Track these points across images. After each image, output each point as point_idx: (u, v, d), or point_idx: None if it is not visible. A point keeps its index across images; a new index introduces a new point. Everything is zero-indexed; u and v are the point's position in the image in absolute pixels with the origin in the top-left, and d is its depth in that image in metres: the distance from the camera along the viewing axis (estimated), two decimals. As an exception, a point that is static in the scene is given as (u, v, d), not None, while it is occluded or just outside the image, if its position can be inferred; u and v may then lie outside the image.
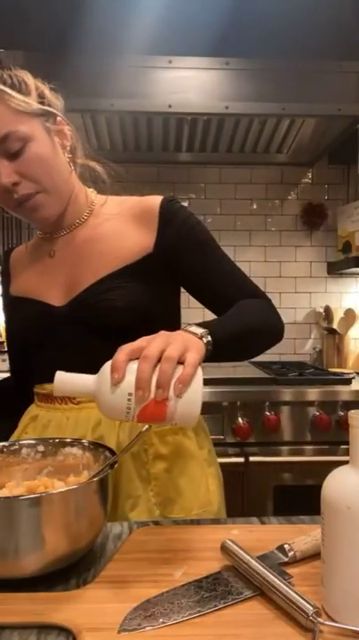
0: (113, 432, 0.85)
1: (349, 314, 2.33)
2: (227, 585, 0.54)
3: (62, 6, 1.92)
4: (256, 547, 0.60)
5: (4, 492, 0.67)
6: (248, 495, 1.77)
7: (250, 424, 1.77)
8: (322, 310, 2.44)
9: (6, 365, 2.17)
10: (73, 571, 0.59)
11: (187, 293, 0.92)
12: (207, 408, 1.81)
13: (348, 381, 1.91)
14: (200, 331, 0.68)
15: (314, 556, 0.59)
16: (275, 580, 0.51)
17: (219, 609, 0.50)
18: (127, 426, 0.86)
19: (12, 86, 0.81)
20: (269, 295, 0.93)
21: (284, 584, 0.51)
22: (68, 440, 0.73)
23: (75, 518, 0.57)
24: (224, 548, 0.58)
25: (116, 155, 2.23)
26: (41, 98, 0.84)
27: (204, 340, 0.67)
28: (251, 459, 1.76)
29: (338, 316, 2.35)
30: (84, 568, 0.60)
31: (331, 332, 2.37)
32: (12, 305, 0.97)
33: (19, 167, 0.81)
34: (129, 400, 0.58)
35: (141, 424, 0.83)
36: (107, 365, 0.60)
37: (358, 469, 0.49)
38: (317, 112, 1.91)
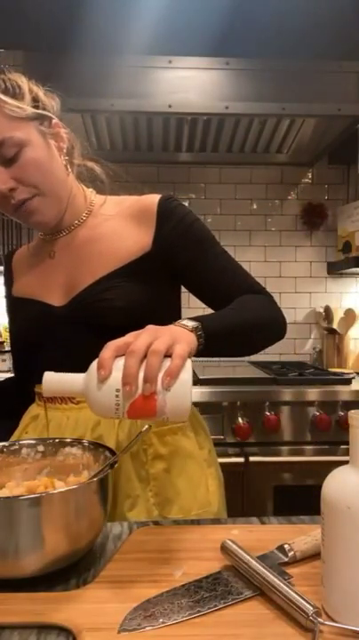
0: (112, 432, 0.85)
1: (349, 314, 2.33)
2: (227, 585, 0.54)
3: (62, 6, 1.92)
4: (256, 547, 0.60)
5: (4, 492, 0.67)
6: (248, 495, 1.77)
7: (250, 424, 1.77)
8: (322, 310, 2.44)
9: (6, 365, 2.17)
10: (73, 571, 0.59)
11: (187, 292, 0.92)
12: (207, 408, 1.82)
13: (348, 381, 1.91)
14: (191, 324, 0.68)
15: (314, 555, 0.59)
16: (275, 580, 0.51)
17: (219, 609, 0.50)
18: (126, 426, 0.86)
19: (6, 91, 0.81)
20: (269, 295, 0.93)
21: (284, 584, 0.51)
22: (68, 440, 0.73)
23: (75, 518, 0.57)
24: (224, 548, 0.58)
25: (116, 155, 2.23)
26: (35, 101, 0.84)
27: (196, 333, 0.66)
28: (251, 459, 1.76)
29: (338, 316, 2.35)
30: (84, 568, 0.60)
31: (331, 331, 2.37)
32: (14, 306, 0.97)
33: (15, 173, 0.81)
34: (117, 396, 0.58)
35: (141, 423, 0.84)
36: (95, 363, 0.60)
37: (358, 469, 0.49)
38: (317, 112, 1.91)
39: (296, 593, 0.49)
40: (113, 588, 0.54)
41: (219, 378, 1.88)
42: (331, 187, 2.49)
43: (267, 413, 1.78)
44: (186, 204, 0.96)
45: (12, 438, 0.94)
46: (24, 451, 0.73)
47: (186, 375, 0.58)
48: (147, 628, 0.47)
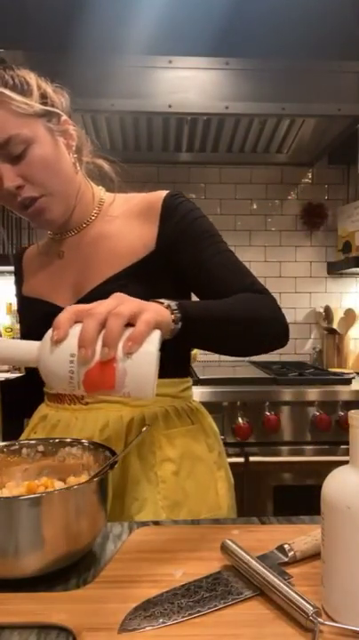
0: (121, 433, 0.84)
1: (349, 314, 2.33)
2: (227, 585, 0.54)
3: (62, 6, 1.92)
4: (256, 547, 0.60)
5: (4, 492, 0.67)
6: (248, 495, 1.77)
7: (250, 424, 1.77)
8: (322, 310, 2.44)
9: (6, 365, 2.16)
10: (73, 571, 0.59)
11: (192, 296, 0.91)
12: (207, 408, 1.80)
13: (348, 381, 1.91)
14: (167, 301, 0.64)
15: (314, 555, 0.59)
16: (275, 580, 0.51)
17: (219, 609, 0.50)
18: (135, 428, 0.85)
19: (14, 87, 0.80)
20: (269, 295, 0.92)
21: (284, 584, 0.51)
22: (68, 440, 0.73)
23: (75, 518, 0.57)
24: (224, 548, 0.58)
25: (116, 155, 2.22)
26: (43, 98, 0.83)
27: (171, 310, 0.63)
28: (251, 459, 1.76)
29: (338, 316, 2.35)
30: (84, 568, 0.60)
31: (331, 331, 2.37)
32: (24, 305, 0.98)
33: (23, 170, 0.80)
34: (71, 362, 0.53)
35: (147, 422, 0.83)
36: (50, 330, 0.56)
37: (358, 469, 0.49)
38: (317, 112, 1.91)
39: (296, 593, 0.49)
40: (113, 588, 0.54)
41: (219, 378, 1.88)
42: (331, 187, 2.49)
43: (267, 413, 1.78)
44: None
45: (22, 438, 0.94)
46: (24, 451, 0.73)
47: (151, 346, 0.53)
48: (147, 628, 0.47)
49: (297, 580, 0.55)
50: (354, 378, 1.96)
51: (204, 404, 1.04)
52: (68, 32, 1.83)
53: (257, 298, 0.83)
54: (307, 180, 2.50)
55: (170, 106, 1.86)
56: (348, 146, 2.13)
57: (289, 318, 0.85)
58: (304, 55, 1.93)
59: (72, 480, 0.69)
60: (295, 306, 2.49)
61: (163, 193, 0.89)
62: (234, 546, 0.57)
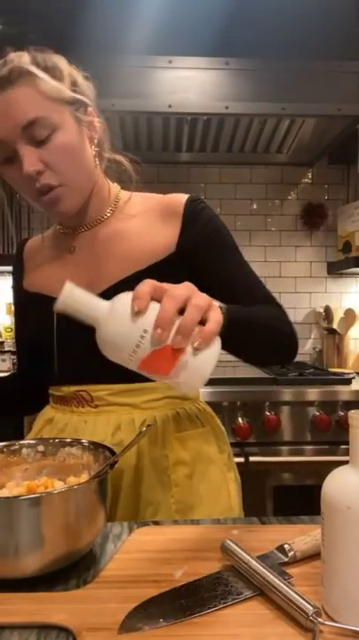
0: (132, 436, 0.81)
1: (349, 314, 2.33)
2: (227, 585, 0.54)
3: (62, 6, 1.91)
4: (256, 547, 0.60)
5: (4, 492, 0.67)
6: (248, 495, 1.76)
7: (250, 424, 1.77)
8: (322, 310, 2.44)
9: (6, 365, 2.16)
10: (73, 571, 0.59)
11: None
12: (207, 408, 1.82)
13: (348, 381, 1.91)
14: (217, 302, 0.61)
15: (314, 555, 0.59)
16: (275, 580, 0.51)
17: (219, 609, 0.50)
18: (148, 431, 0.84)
19: (46, 69, 0.77)
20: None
21: (284, 584, 0.51)
22: (68, 440, 0.73)
23: (75, 518, 0.57)
24: (224, 548, 0.58)
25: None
26: (74, 85, 0.80)
27: (222, 311, 0.61)
28: (251, 459, 1.76)
29: (338, 315, 2.35)
30: (84, 568, 0.60)
31: (331, 331, 2.37)
32: (26, 300, 0.93)
33: (45, 156, 0.77)
34: (142, 337, 0.51)
35: (144, 425, 0.82)
36: (125, 294, 0.53)
37: (358, 469, 0.49)
38: (317, 112, 1.91)
39: (296, 593, 0.49)
40: (113, 588, 0.54)
41: (219, 378, 1.88)
42: (330, 187, 2.49)
43: (267, 413, 1.78)
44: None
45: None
46: (24, 451, 0.73)
47: (215, 348, 0.53)
48: (147, 629, 0.47)
49: (297, 579, 0.55)
50: (354, 378, 1.96)
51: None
52: (69, 32, 1.83)
53: (280, 312, 0.85)
54: (307, 180, 2.50)
55: (170, 106, 1.86)
56: (348, 146, 2.13)
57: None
58: (304, 55, 1.93)
59: (72, 480, 0.69)
60: (295, 306, 2.48)
61: (184, 196, 0.88)
62: (234, 546, 0.57)
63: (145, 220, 0.88)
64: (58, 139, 0.77)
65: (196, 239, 0.85)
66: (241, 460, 1.75)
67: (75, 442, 0.73)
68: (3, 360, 2.14)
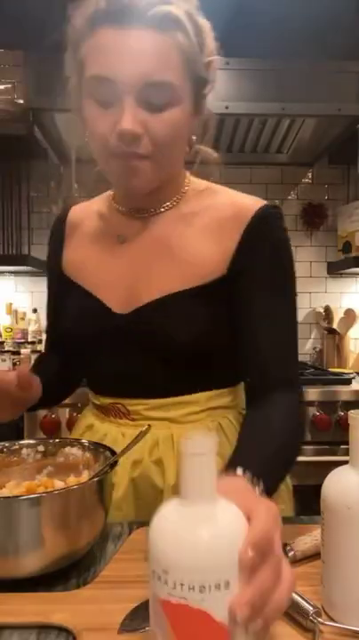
0: (171, 454, 0.77)
1: (349, 314, 2.33)
2: (227, 585, 0.54)
3: (62, 6, 1.91)
4: (256, 547, 0.60)
5: (4, 492, 0.67)
6: (248, 495, 1.76)
7: (250, 424, 1.77)
8: (322, 310, 2.44)
9: (6, 365, 2.15)
10: (73, 571, 0.59)
11: None
12: (207, 408, 1.81)
13: (348, 381, 1.91)
14: (259, 489, 0.53)
15: (314, 555, 0.59)
16: (275, 580, 0.51)
17: (219, 609, 0.50)
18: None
19: (197, 35, 0.67)
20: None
21: (284, 584, 0.51)
22: (68, 440, 0.74)
23: (75, 518, 0.57)
24: (224, 548, 0.58)
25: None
26: (208, 66, 0.71)
27: (259, 489, 0.53)
28: (251, 459, 1.76)
29: (338, 316, 2.35)
30: (84, 568, 0.60)
31: (331, 331, 2.37)
32: (66, 288, 0.84)
33: (150, 123, 0.67)
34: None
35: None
36: (238, 519, 0.40)
37: (358, 469, 0.49)
38: (317, 112, 1.91)
39: (296, 593, 0.49)
40: (113, 588, 0.54)
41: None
42: (330, 187, 2.49)
43: (267, 413, 1.78)
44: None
45: None
46: (24, 451, 0.73)
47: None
48: (147, 628, 0.47)
49: (297, 580, 0.55)
50: (354, 378, 1.96)
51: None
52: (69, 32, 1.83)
53: (300, 425, 0.81)
54: (307, 180, 2.50)
55: (170, 106, 1.85)
56: (348, 146, 2.13)
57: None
58: (304, 55, 1.93)
59: (72, 480, 0.69)
60: (295, 306, 2.48)
61: (256, 205, 0.76)
62: (234, 546, 0.57)
63: (205, 222, 0.78)
64: (174, 114, 0.68)
65: (252, 262, 0.74)
66: (241, 460, 1.74)
67: (76, 442, 0.73)
68: (4, 360, 2.13)
